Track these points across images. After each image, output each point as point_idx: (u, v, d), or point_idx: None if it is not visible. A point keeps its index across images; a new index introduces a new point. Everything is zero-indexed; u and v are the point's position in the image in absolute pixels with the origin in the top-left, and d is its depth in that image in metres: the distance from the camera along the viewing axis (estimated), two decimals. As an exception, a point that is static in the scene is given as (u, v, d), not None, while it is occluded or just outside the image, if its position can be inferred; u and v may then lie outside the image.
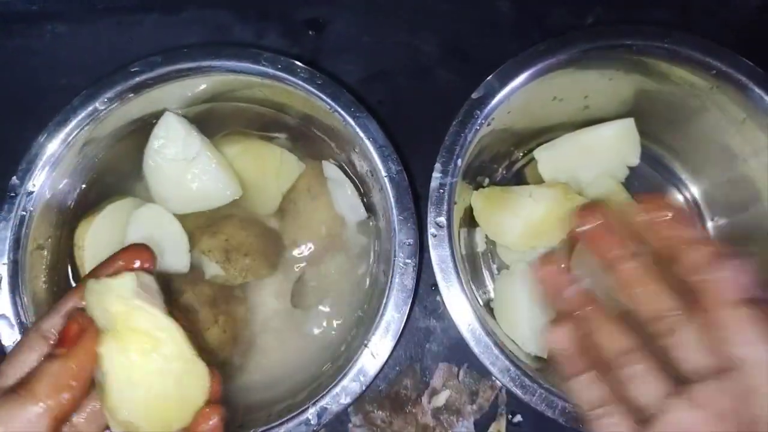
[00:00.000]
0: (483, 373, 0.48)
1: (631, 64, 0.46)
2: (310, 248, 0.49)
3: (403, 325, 0.42)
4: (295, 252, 0.49)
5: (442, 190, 0.43)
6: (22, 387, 0.28)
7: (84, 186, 0.47)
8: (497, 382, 0.44)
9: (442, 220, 0.43)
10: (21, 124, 0.46)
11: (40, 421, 0.27)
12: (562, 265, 0.33)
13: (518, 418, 0.48)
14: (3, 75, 0.53)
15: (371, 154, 0.44)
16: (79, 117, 0.45)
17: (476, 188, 0.50)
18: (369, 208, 0.49)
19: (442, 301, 0.42)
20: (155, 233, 0.45)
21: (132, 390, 0.29)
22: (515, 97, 0.45)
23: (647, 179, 0.52)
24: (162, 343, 0.29)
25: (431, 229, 0.42)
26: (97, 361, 0.29)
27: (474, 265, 0.51)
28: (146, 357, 0.29)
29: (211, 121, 0.49)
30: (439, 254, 0.42)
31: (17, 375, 0.29)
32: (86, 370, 0.29)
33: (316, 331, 0.48)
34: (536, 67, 0.44)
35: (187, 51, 0.45)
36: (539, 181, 0.50)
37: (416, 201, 0.43)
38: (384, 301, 0.42)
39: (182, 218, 0.46)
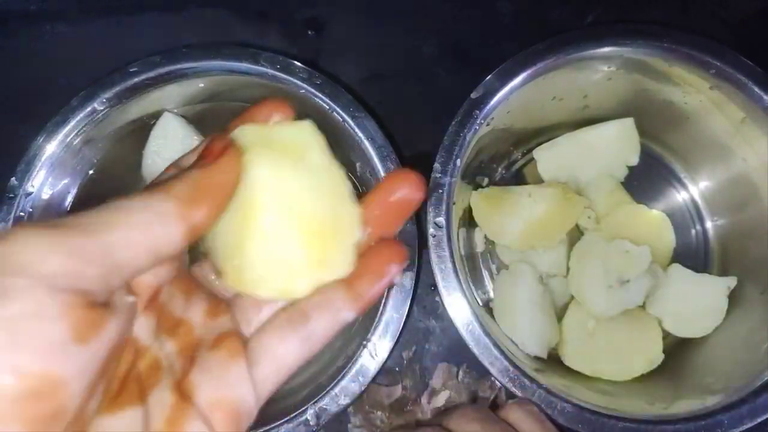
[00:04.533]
0: (482, 373, 0.48)
1: (631, 64, 0.46)
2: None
3: (402, 325, 0.42)
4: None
5: (441, 190, 0.43)
6: (158, 184, 0.22)
7: (82, 187, 0.47)
8: (496, 382, 0.44)
9: (441, 220, 0.42)
10: (20, 125, 0.46)
11: (171, 222, 0.21)
12: None
13: (518, 418, 0.48)
14: (2, 75, 0.53)
15: (370, 154, 0.44)
16: (78, 117, 0.45)
17: (475, 188, 0.50)
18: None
19: (441, 302, 0.42)
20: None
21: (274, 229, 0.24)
22: (514, 97, 0.45)
23: (647, 179, 0.52)
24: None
25: (430, 230, 0.42)
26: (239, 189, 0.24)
27: (473, 265, 0.51)
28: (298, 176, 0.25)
29: (210, 121, 0.49)
30: (438, 254, 0.42)
31: None
32: (228, 186, 0.23)
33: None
34: (535, 66, 0.44)
35: (186, 51, 0.45)
36: (539, 180, 0.50)
37: (415, 201, 0.43)
38: (383, 301, 0.42)
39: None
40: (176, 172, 0.24)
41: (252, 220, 0.24)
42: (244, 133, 0.25)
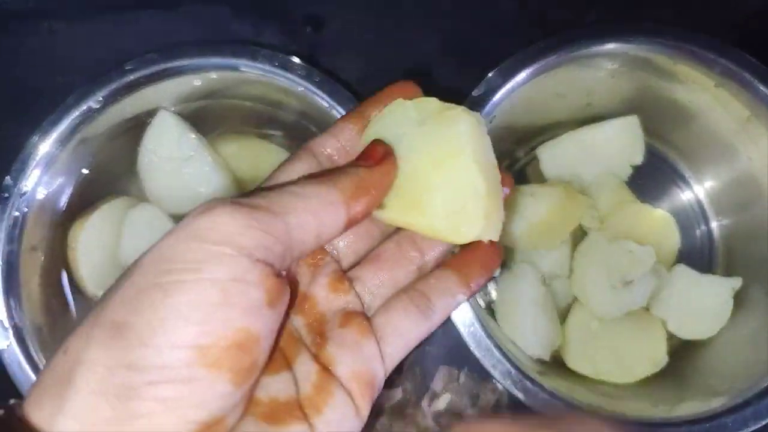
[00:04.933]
0: (484, 376, 0.47)
1: (634, 62, 0.46)
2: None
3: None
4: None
5: (442, 190, 0.42)
6: (323, 176, 0.26)
7: (78, 186, 0.47)
8: (499, 385, 0.44)
9: (443, 220, 0.42)
10: (15, 123, 0.45)
11: (337, 212, 0.25)
12: None
13: (520, 421, 0.47)
14: (-3, 73, 0.52)
15: (370, 153, 0.43)
16: (73, 116, 0.44)
17: (477, 187, 0.49)
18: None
19: (443, 303, 0.41)
20: (149, 234, 0.44)
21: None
22: (517, 95, 0.44)
23: (651, 178, 0.52)
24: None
25: (431, 230, 0.42)
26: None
27: (475, 266, 0.50)
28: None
29: (207, 120, 0.49)
30: (439, 255, 0.42)
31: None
32: (386, 187, 0.27)
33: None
34: (538, 64, 0.44)
35: (183, 48, 0.45)
36: (541, 179, 0.50)
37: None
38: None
39: (177, 218, 0.46)
40: (341, 167, 0.27)
41: (447, 161, 0.27)
42: (404, 107, 0.29)
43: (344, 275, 0.29)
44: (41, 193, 0.44)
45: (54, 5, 0.53)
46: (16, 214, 0.43)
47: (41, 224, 0.45)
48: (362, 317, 0.27)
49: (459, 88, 0.44)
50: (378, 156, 0.27)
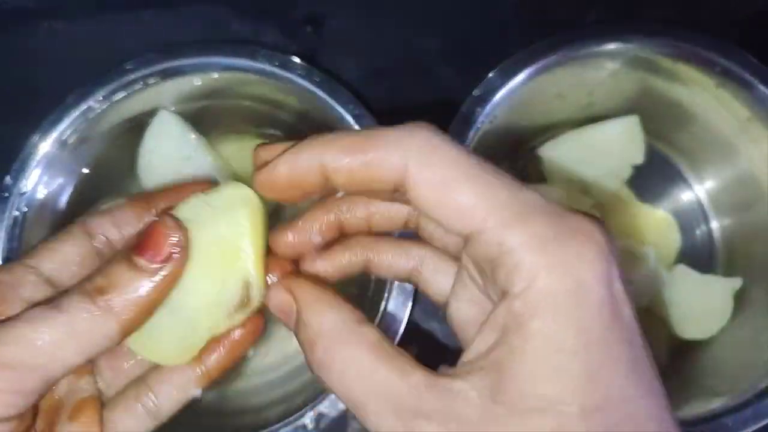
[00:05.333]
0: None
1: (635, 61, 0.46)
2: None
3: (403, 327, 0.41)
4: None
5: (442, 190, 0.42)
6: (100, 295, 0.23)
7: (78, 186, 0.47)
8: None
9: (443, 220, 0.42)
10: (15, 123, 0.45)
11: (114, 339, 0.23)
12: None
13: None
14: (-3, 72, 0.52)
15: (370, 153, 0.43)
16: (73, 116, 0.44)
17: (478, 187, 0.49)
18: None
19: (443, 303, 0.41)
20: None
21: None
22: (517, 95, 0.44)
23: (652, 178, 0.51)
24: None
25: (432, 230, 0.42)
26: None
27: (475, 266, 0.50)
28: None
29: (207, 119, 0.49)
30: (439, 255, 0.42)
31: (56, 268, 0.26)
32: (166, 294, 0.24)
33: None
34: (538, 64, 0.44)
35: (183, 48, 0.45)
36: (542, 180, 0.50)
37: (416, 200, 0.43)
38: (384, 303, 0.41)
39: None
40: (116, 272, 0.24)
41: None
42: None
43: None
44: (41, 193, 0.44)
45: (54, 5, 0.53)
46: (16, 213, 0.43)
47: (41, 224, 0.45)
48: (93, 409, 0.26)
49: (459, 88, 0.44)
50: (162, 250, 0.24)
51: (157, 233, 0.24)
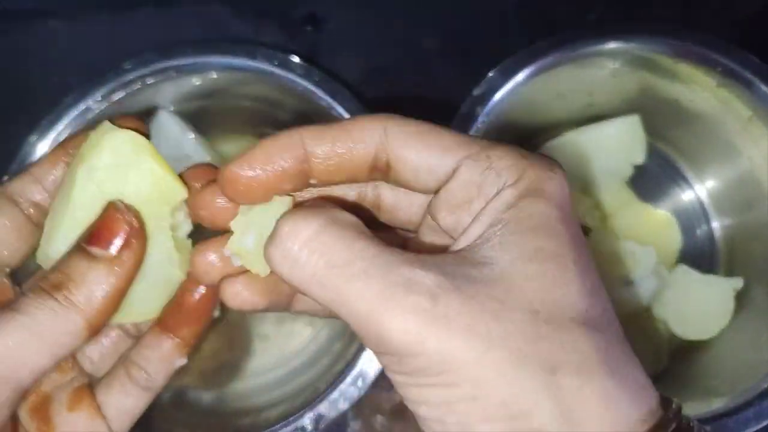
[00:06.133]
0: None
1: (636, 61, 0.46)
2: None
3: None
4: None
5: (442, 190, 0.42)
6: (58, 291, 0.23)
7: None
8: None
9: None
10: (13, 123, 0.45)
11: (81, 335, 0.23)
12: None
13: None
14: (-5, 73, 0.52)
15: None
16: (71, 116, 0.44)
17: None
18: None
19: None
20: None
21: None
22: (517, 95, 0.44)
23: (652, 178, 0.51)
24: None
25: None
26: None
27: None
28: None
29: (206, 119, 0.49)
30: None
31: None
32: (131, 280, 0.24)
33: (314, 333, 0.47)
34: (539, 63, 0.44)
35: (181, 48, 0.45)
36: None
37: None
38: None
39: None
40: (76, 264, 0.23)
41: None
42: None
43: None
44: (39, 193, 0.44)
45: (52, 5, 0.53)
46: (14, 213, 0.43)
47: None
48: (89, 397, 0.26)
49: (459, 87, 0.44)
50: (110, 235, 0.23)
51: (110, 219, 0.23)
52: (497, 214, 0.21)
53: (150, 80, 0.44)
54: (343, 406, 0.40)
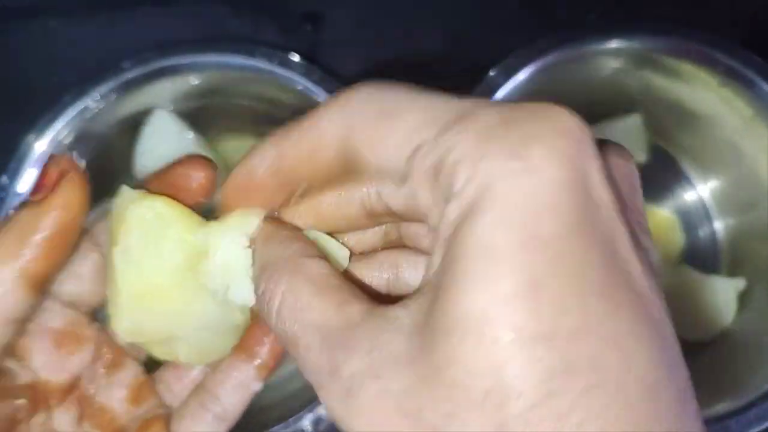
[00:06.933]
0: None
1: (638, 60, 0.46)
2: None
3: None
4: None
5: (443, 190, 0.42)
6: None
7: (74, 185, 0.47)
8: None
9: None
10: (11, 122, 0.45)
11: (7, 278, 0.21)
12: None
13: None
14: (-8, 71, 0.52)
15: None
16: (70, 115, 0.44)
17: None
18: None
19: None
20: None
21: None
22: (518, 94, 0.44)
23: (654, 177, 0.51)
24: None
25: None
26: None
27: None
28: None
29: (205, 118, 0.48)
30: (439, 256, 0.41)
31: (76, 291, 0.24)
32: (65, 225, 0.22)
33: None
34: (540, 62, 0.44)
35: (180, 46, 0.45)
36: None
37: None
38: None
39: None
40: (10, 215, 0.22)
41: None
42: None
43: (147, 380, 0.26)
44: (38, 193, 0.44)
45: (50, 3, 0.53)
46: (12, 212, 0.43)
47: (37, 224, 0.45)
48: (162, 427, 0.25)
49: (459, 86, 0.44)
50: (50, 183, 0.22)
51: (45, 168, 0.22)
52: (443, 247, 0.16)
53: (148, 79, 0.44)
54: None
